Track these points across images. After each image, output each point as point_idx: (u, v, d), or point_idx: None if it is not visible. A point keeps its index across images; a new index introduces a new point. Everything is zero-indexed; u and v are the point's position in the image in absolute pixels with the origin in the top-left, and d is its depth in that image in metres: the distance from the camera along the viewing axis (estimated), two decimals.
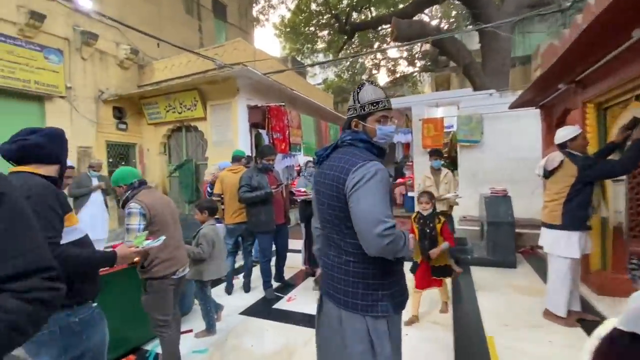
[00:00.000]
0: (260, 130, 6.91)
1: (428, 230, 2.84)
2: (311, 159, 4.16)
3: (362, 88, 1.35)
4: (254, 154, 6.64)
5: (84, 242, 1.33)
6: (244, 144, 6.58)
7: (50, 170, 1.31)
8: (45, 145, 1.28)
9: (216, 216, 3.65)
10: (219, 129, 6.80)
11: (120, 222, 7.01)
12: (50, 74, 6.05)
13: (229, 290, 3.72)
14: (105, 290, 2.37)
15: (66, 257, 1.15)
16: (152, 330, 2.08)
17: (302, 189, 3.79)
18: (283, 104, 6.45)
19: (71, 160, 6.16)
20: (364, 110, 1.32)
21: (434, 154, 4.10)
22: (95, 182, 4.93)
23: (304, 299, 3.44)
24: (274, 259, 3.75)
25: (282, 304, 3.35)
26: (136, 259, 1.60)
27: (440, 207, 3.98)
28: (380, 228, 1.10)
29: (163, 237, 1.59)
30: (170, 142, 7.92)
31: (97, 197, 4.94)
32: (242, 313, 3.17)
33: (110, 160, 7.34)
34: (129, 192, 2.03)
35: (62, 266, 1.14)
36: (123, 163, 7.68)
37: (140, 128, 7.91)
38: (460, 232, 4.93)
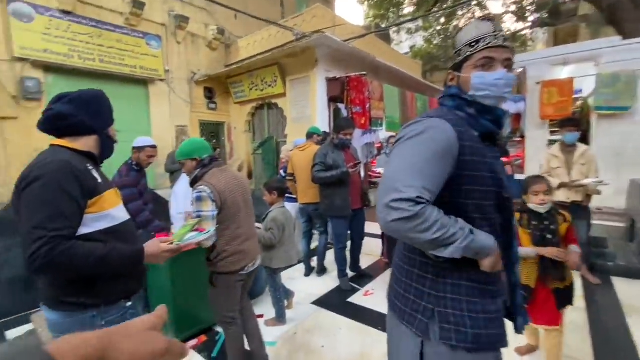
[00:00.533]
0: (339, 105, 6.47)
1: (548, 236, 1.81)
2: (394, 134, 3.56)
3: (464, 27, 0.99)
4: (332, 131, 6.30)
5: (120, 230, 1.12)
6: (322, 120, 6.26)
7: (88, 143, 1.13)
8: (69, 114, 1.08)
9: (289, 194, 3.49)
10: (298, 105, 6.62)
11: None
12: (152, 59, 6.65)
13: (307, 272, 3.56)
14: (178, 267, 2.43)
15: (72, 255, 0.93)
16: (217, 323, 1.93)
17: (379, 170, 3.25)
18: (364, 73, 5.84)
19: (158, 139, 6.87)
20: (460, 55, 0.97)
21: (567, 124, 2.99)
22: None
23: (383, 294, 3.00)
24: (349, 244, 3.39)
25: (357, 298, 2.99)
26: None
27: (569, 196, 2.98)
28: (389, 197, 0.82)
29: (212, 229, 1.32)
30: (254, 120, 8.14)
31: None
32: (315, 303, 2.92)
33: (203, 138, 7.93)
34: (199, 169, 1.76)
35: (66, 264, 0.91)
36: (214, 141, 8.24)
37: (228, 107, 8.30)
38: (595, 229, 3.75)
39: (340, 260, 3.22)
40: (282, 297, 2.61)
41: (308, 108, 6.43)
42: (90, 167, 1.09)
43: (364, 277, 3.43)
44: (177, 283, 2.31)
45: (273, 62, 6.60)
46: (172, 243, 1.14)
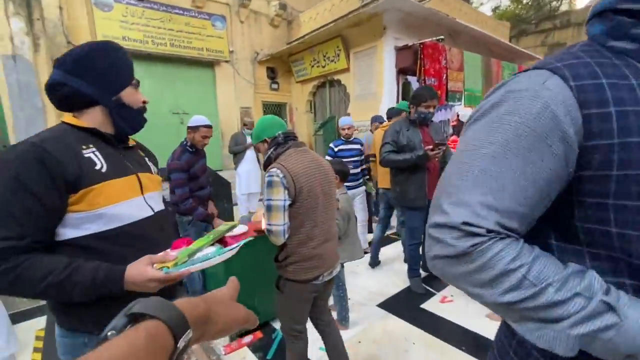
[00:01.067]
0: (409, 78, 5.75)
1: None
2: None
3: None
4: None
5: (126, 234, 0.83)
6: (389, 97, 5.62)
7: (94, 116, 0.86)
8: (58, 83, 0.81)
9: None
10: (362, 81, 6.06)
11: None
12: (217, 40, 6.68)
13: (373, 263, 3.26)
14: (233, 259, 2.26)
15: (16, 278, 0.68)
16: (282, 333, 1.67)
17: None
18: (442, 37, 5.00)
19: (224, 121, 6.96)
20: None
21: None
22: (249, 140, 5.23)
23: (464, 302, 2.49)
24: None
25: (432, 304, 2.53)
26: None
27: None
28: (430, 220, 0.52)
29: (243, 241, 0.93)
30: (315, 99, 7.82)
31: (251, 154, 5.26)
32: (381, 306, 2.54)
33: None
34: (272, 149, 1.46)
35: (6, 290, 0.70)
36: None
37: (290, 87, 8.11)
38: None
39: (412, 258, 2.76)
40: (346, 295, 2.29)
41: (373, 83, 5.84)
42: (89, 150, 0.82)
43: (439, 278, 2.92)
44: (233, 271, 2.13)
45: (336, 34, 6.10)
46: (162, 269, 0.75)
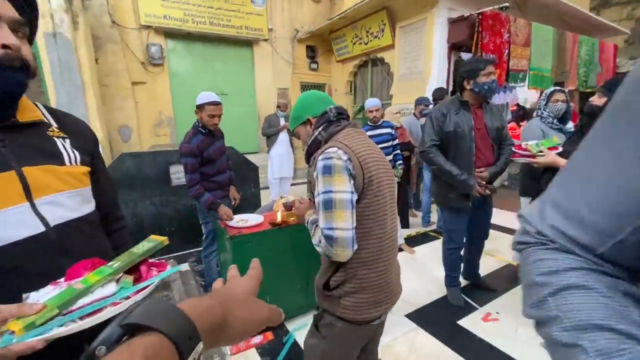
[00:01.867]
0: (463, 55, 5.05)
1: None
2: (556, 89, 2.28)
3: None
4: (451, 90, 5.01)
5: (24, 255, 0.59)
6: (438, 76, 5.01)
7: None
8: None
9: None
10: (408, 58, 5.48)
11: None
12: (256, 18, 6.46)
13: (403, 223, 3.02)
14: (245, 251, 1.90)
15: None
16: None
17: (531, 144, 2.07)
18: (506, 5, 4.26)
19: (261, 103, 6.77)
20: None
21: None
22: (282, 122, 5.02)
23: (512, 322, 2.08)
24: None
25: (472, 321, 2.15)
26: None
27: None
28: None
29: (144, 286, 0.57)
30: (356, 80, 7.36)
31: (284, 137, 5.06)
32: (410, 317, 2.22)
33: None
34: (321, 128, 1.10)
35: None
36: None
37: (329, 67, 7.71)
38: None
39: (450, 264, 2.37)
40: None
41: (420, 61, 5.24)
42: None
43: (483, 289, 2.50)
44: (244, 265, 1.95)
45: (381, 6, 5.53)
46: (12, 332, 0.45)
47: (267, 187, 5.28)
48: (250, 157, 6.69)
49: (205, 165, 2.24)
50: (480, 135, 2.07)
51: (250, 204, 3.80)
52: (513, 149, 2.02)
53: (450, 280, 2.40)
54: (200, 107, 2.20)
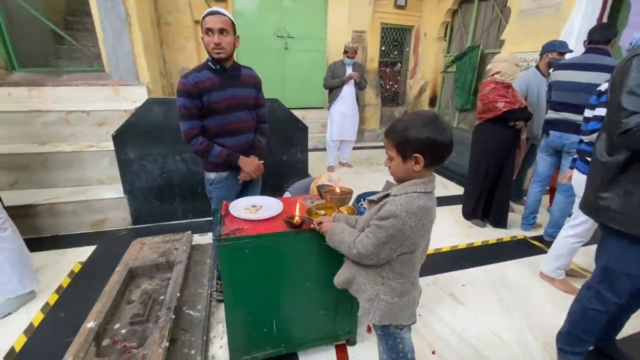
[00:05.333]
0: None
1: None
2: None
3: None
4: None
5: None
6: (586, 11, 3.34)
7: None
8: None
9: None
10: None
11: (386, 120, 6.33)
12: None
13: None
14: (240, 262, 1.23)
15: None
16: None
17: None
18: None
19: (333, 49, 5.68)
20: None
21: None
22: (348, 71, 4.08)
23: None
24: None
25: None
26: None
27: None
28: None
29: None
30: (454, 21, 5.75)
31: (349, 91, 4.14)
32: None
33: (383, 48, 6.36)
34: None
35: None
36: (395, 53, 6.56)
37: (421, 4, 6.16)
38: None
39: (586, 323, 1.40)
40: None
41: None
42: None
43: None
44: (239, 275, 1.32)
45: None
46: None
47: (325, 149, 4.56)
48: (312, 114, 6.00)
49: (206, 117, 1.60)
50: None
51: (294, 172, 3.15)
52: None
53: (574, 344, 1.44)
54: (201, 26, 1.52)
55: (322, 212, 1.49)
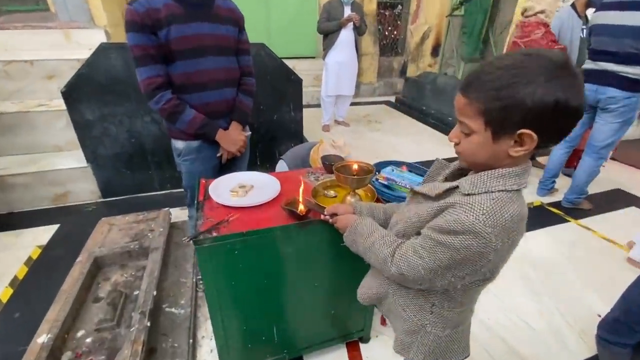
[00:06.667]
0: None
1: None
2: None
3: None
4: None
5: None
6: None
7: None
8: None
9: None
10: None
11: (384, 72, 5.74)
12: None
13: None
14: (226, 265, 0.88)
15: None
16: None
17: None
18: None
19: None
20: None
21: None
22: (347, 11, 3.48)
23: None
24: None
25: None
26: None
27: None
28: None
29: None
30: None
31: (347, 37, 3.58)
32: None
33: None
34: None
35: None
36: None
37: None
38: None
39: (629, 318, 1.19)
40: None
41: None
42: None
43: None
44: (229, 276, 1.01)
45: None
46: None
47: (320, 105, 4.10)
48: (303, 64, 5.32)
49: (167, 63, 1.17)
50: None
51: (287, 134, 2.75)
52: None
53: (624, 335, 1.25)
54: None
55: (332, 192, 1.16)
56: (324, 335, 1.30)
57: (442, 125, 4.20)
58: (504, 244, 0.55)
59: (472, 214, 0.54)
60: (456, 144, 0.62)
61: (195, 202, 1.09)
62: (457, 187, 0.61)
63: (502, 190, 0.56)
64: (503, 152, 0.55)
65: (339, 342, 1.36)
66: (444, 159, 0.76)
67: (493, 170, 0.57)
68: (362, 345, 1.40)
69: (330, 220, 0.89)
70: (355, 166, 1.04)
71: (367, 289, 0.84)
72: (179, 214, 2.20)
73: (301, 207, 0.97)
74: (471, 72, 0.57)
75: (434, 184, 0.66)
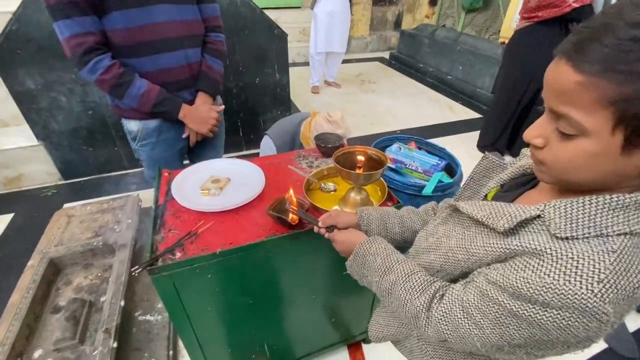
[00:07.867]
0: None
1: None
2: None
3: None
4: None
5: None
6: None
7: None
8: None
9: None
10: None
11: (377, 25, 5.19)
12: None
13: None
14: (201, 290, 0.54)
15: None
16: None
17: None
18: None
19: None
20: None
21: None
22: None
23: None
24: None
25: None
26: None
27: None
28: None
29: None
30: None
31: None
32: None
33: None
34: None
35: None
36: None
37: None
38: None
39: None
40: None
41: None
42: None
43: None
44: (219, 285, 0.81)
45: None
46: None
47: (308, 64, 3.69)
48: (287, 15, 4.70)
49: (99, 14, 0.85)
50: None
51: (271, 101, 2.42)
52: None
53: None
54: None
55: (331, 185, 0.92)
56: (323, 342, 1.15)
57: (442, 86, 3.89)
58: (624, 315, 0.34)
59: (578, 280, 0.32)
60: (538, 148, 0.38)
61: (154, 206, 0.84)
62: (538, 216, 0.38)
63: (626, 234, 0.33)
64: (634, 170, 0.32)
65: (340, 346, 1.22)
66: (486, 150, 0.52)
67: (608, 197, 0.34)
68: (364, 346, 1.27)
69: (327, 236, 0.66)
70: (360, 156, 0.79)
71: (383, 326, 0.64)
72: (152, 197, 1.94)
73: (292, 216, 0.74)
74: (586, 28, 0.32)
75: (494, 207, 0.42)
